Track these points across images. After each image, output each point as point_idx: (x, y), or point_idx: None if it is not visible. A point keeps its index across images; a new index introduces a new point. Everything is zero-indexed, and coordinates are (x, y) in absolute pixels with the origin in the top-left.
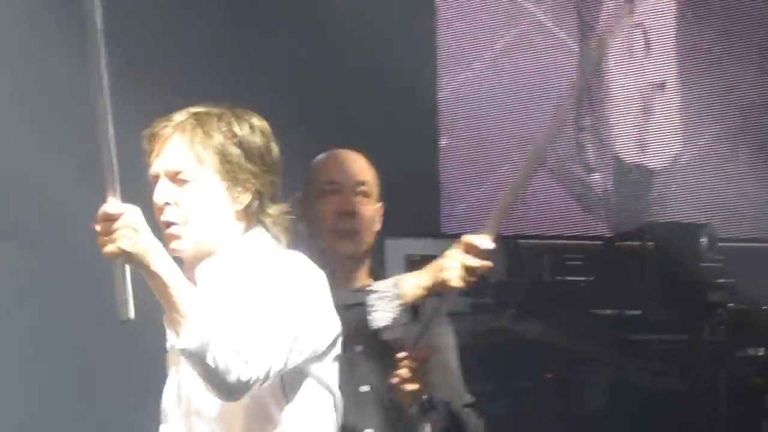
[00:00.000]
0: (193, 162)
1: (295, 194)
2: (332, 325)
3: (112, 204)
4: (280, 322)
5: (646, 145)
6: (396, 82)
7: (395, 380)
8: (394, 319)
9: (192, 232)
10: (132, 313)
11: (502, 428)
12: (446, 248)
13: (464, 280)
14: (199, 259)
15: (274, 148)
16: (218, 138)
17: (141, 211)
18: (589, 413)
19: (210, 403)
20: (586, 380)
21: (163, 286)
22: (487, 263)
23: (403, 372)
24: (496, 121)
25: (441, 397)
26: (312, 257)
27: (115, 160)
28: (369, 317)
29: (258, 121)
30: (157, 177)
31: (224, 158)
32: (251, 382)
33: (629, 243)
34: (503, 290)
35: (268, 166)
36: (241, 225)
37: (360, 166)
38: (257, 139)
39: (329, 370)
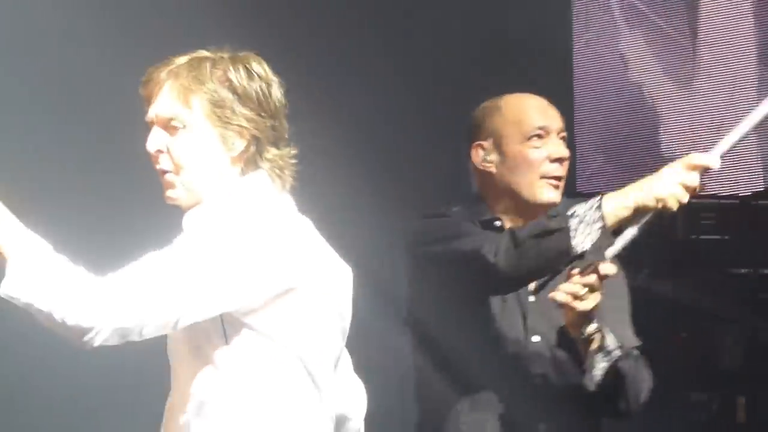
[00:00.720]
0: (184, 108)
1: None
2: (272, 281)
3: None
4: (173, 273)
5: None
6: (531, 44)
7: (566, 295)
8: (594, 243)
9: (184, 180)
10: None
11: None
12: None
13: (679, 201)
14: (193, 206)
15: (276, 93)
16: (210, 84)
17: None
18: (722, 372)
19: (171, 348)
20: (719, 340)
21: None
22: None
23: (576, 287)
24: (630, 81)
25: (610, 332)
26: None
27: None
28: (569, 243)
29: (258, 66)
30: (151, 124)
31: (216, 104)
32: (100, 328)
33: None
34: (639, 249)
35: (267, 111)
36: (237, 170)
37: (557, 112)
38: (255, 84)
39: (280, 324)
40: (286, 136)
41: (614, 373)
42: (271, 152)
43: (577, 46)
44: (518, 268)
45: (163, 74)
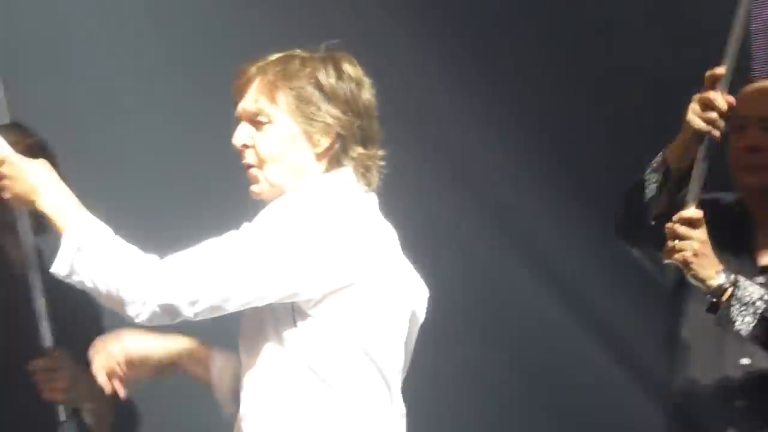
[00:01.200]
0: (270, 104)
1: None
2: (327, 275)
3: None
4: (224, 254)
5: None
6: None
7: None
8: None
9: (267, 174)
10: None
11: None
12: None
13: (703, 117)
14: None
15: (366, 94)
16: (298, 81)
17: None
18: None
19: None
20: None
21: (53, 222)
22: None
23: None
24: None
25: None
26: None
27: None
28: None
29: (349, 66)
30: (239, 119)
31: (301, 100)
32: (145, 302)
33: None
34: None
35: (355, 110)
36: (322, 167)
37: (763, 100)
38: (344, 84)
39: (340, 317)
40: (376, 137)
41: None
42: (357, 151)
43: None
44: None
45: (252, 70)
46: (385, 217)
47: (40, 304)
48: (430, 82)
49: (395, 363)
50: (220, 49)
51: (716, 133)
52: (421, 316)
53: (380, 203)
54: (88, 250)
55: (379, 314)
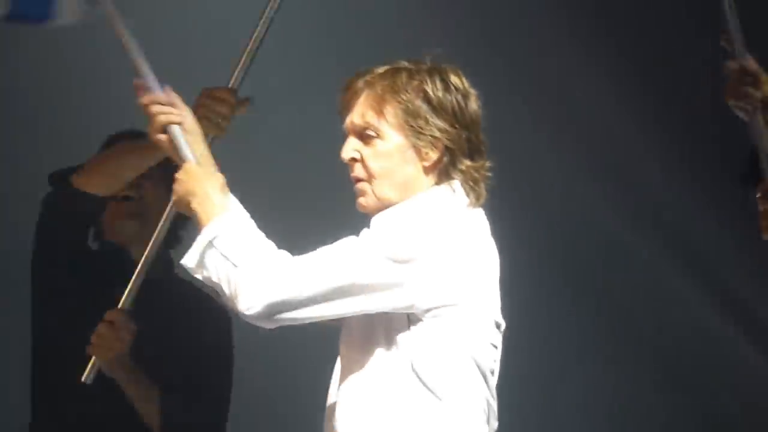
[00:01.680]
0: (378, 118)
1: None
2: (435, 290)
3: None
4: (339, 266)
5: None
6: None
7: None
8: None
9: (375, 188)
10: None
11: None
12: None
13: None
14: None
15: (472, 105)
16: (405, 94)
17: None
18: None
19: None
20: None
21: (199, 222)
22: None
23: None
24: None
25: None
26: None
27: None
28: None
29: (456, 78)
30: (347, 132)
31: (409, 114)
32: (270, 306)
33: None
34: None
35: (462, 122)
36: (431, 180)
37: None
38: (451, 96)
39: (447, 328)
40: (483, 149)
41: None
42: (465, 164)
43: None
44: None
45: (359, 84)
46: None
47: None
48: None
49: (494, 371)
50: (330, 59)
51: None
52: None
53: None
54: (219, 245)
55: (484, 327)
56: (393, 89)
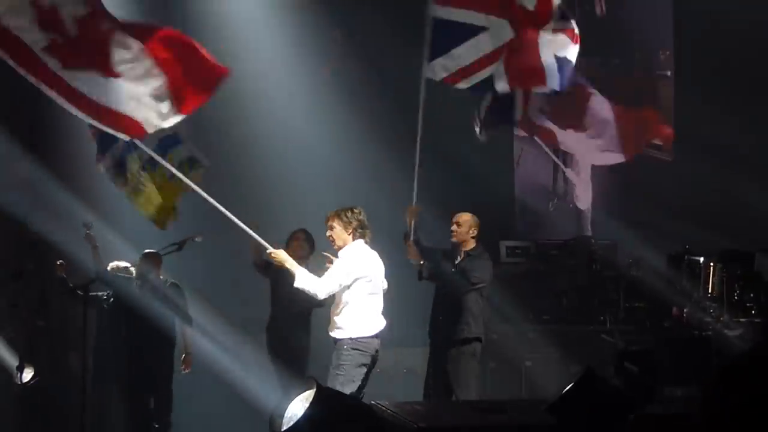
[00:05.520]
0: (332, 222)
1: None
2: (351, 277)
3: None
4: (336, 277)
5: None
6: None
7: None
8: None
9: (336, 241)
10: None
11: None
12: None
13: None
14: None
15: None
16: (344, 217)
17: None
18: None
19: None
20: None
21: (292, 274)
22: None
23: None
24: None
25: None
26: None
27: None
28: None
29: (358, 212)
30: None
31: (342, 220)
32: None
33: None
34: None
35: (358, 220)
36: (351, 237)
37: None
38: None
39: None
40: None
41: None
42: (361, 230)
43: None
44: None
45: (329, 215)
46: None
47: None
48: None
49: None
50: None
51: None
52: None
53: None
54: (300, 283)
55: (366, 284)
56: (338, 215)
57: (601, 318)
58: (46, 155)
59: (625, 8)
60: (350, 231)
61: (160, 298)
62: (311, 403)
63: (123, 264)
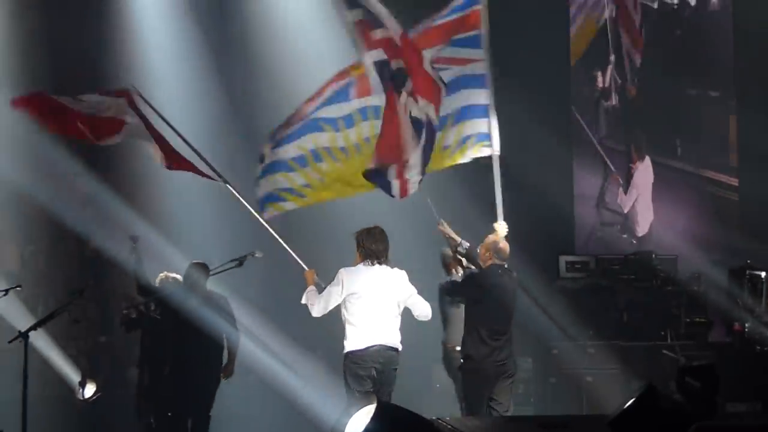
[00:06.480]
0: None
1: None
2: (340, 294)
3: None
4: (326, 294)
5: None
6: None
7: None
8: None
9: None
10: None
11: None
12: None
13: None
14: None
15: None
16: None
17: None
18: None
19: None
20: None
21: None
22: None
23: None
24: None
25: None
26: None
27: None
28: None
29: (375, 230)
30: None
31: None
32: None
33: None
34: None
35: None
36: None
37: None
38: (362, 237)
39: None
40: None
41: None
42: (365, 251)
43: None
44: None
45: None
46: None
47: None
48: None
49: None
50: None
51: None
52: None
53: None
54: (308, 296)
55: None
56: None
57: (662, 333)
58: (107, 172)
59: None
60: (359, 252)
61: (209, 307)
62: (372, 419)
63: (172, 275)
